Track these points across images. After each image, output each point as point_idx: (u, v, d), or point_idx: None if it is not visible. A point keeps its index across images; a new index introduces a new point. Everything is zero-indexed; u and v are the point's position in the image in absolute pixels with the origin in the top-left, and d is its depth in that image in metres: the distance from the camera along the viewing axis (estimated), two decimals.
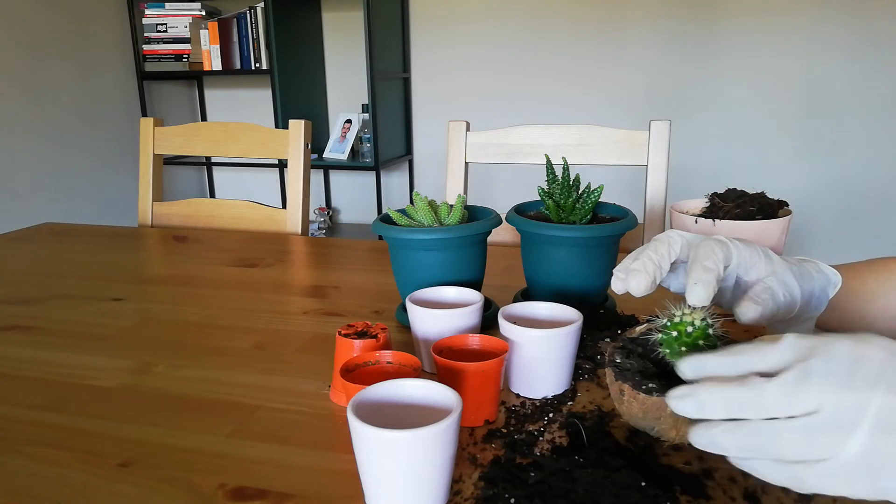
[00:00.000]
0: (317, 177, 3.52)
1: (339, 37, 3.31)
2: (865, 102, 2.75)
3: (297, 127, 1.41)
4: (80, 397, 0.65)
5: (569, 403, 0.61)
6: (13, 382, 0.69)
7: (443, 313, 0.64)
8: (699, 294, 0.52)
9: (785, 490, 0.47)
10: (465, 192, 1.35)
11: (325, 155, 3.22)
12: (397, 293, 0.87)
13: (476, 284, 0.78)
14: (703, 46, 2.86)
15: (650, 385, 0.50)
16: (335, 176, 3.55)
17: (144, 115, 3.23)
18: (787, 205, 0.86)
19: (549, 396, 0.62)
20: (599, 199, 0.79)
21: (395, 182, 3.42)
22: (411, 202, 0.78)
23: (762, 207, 0.84)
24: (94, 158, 3.02)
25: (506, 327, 0.61)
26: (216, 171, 3.69)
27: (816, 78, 2.78)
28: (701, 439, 0.42)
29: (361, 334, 0.63)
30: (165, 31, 3.17)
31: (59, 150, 2.84)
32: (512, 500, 0.46)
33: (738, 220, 0.81)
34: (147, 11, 3.16)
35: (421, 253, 0.75)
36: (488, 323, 0.73)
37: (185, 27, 3.15)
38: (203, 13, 3.14)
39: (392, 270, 0.80)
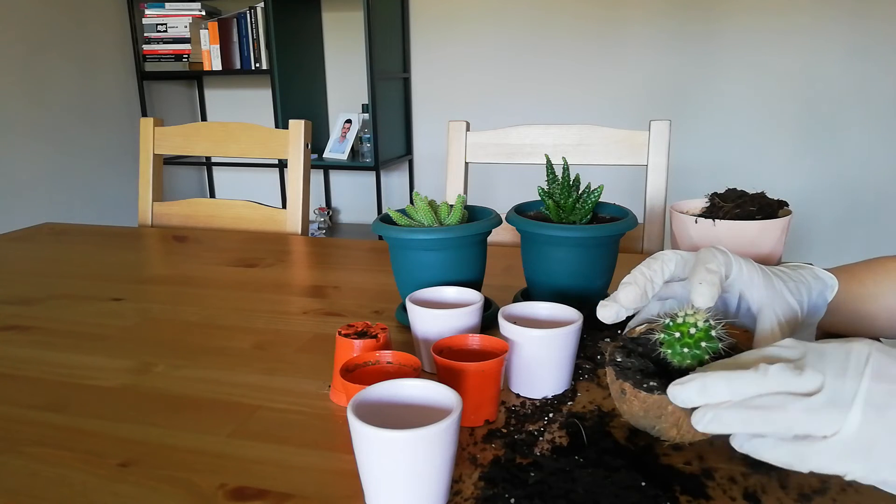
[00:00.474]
0: (317, 177, 3.52)
1: (339, 37, 3.31)
2: (865, 102, 2.75)
3: (297, 127, 1.41)
4: (80, 397, 0.65)
5: (569, 403, 0.61)
6: (13, 382, 0.69)
7: (443, 313, 0.64)
8: (704, 293, 0.52)
9: (785, 490, 0.48)
10: (465, 192, 1.35)
11: (325, 155, 3.22)
12: (397, 293, 0.87)
13: (476, 284, 0.78)
14: (703, 46, 2.86)
15: (651, 384, 0.50)
16: (335, 176, 3.55)
17: (144, 115, 3.23)
18: (787, 205, 0.86)
19: (549, 396, 0.62)
20: (599, 199, 0.79)
21: (395, 182, 3.42)
22: (411, 202, 0.78)
23: (762, 207, 0.83)
24: (94, 158, 3.02)
25: (506, 327, 0.61)
26: (216, 171, 3.69)
27: (816, 78, 2.78)
28: (704, 417, 0.43)
29: (361, 334, 0.63)
30: (165, 31, 3.17)
31: (59, 150, 2.84)
32: (512, 500, 0.46)
33: (738, 220, 0.81)
34: (147, 11, 3.16)
35: (421, 253, 0.75)
36: (488, 323, 0.73)
37: (185, 27, 3.15)
38: (203, 13, 3.14)
39: (392, 270, 0.80)
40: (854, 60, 2.72)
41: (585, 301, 0.76)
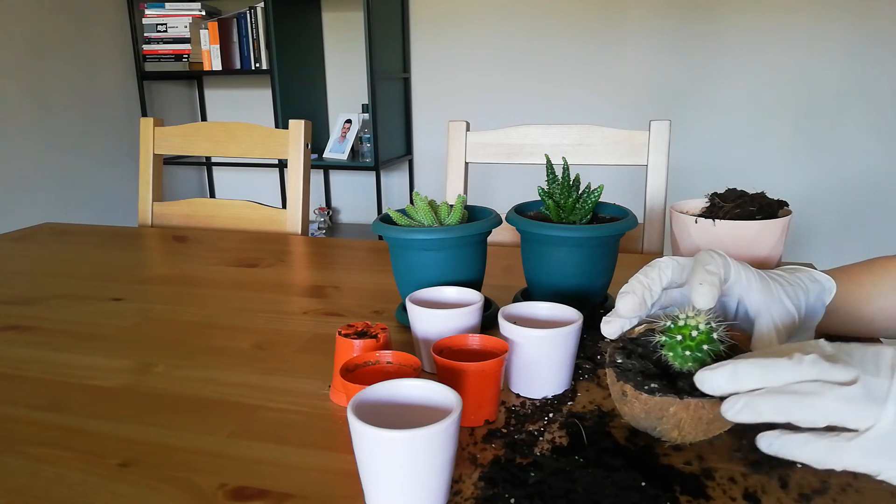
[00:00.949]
0: (317, 177, 3.52)
1: (339, 37, 3.31)
2: (865, 102, 2.76)
3: (297, 127, 1.41)
4: (80, 397, 0.65)
5: (569, 403, 0.61)
6: (13, 382, 0.69)
7: (443, 313, 0.64)
8: (705, 294, 0.52)
9: (785, 490, 0.47)
10: (465, 192, 1.35)
11: (325, 155, 3.22)
12: (397, 293, 0.87)
13: (476, 284, 0.78)
14: (703, 46, 2.86)
15: (652, 385, 0.50)
16: (335, 176, 3.55)
17: (144, 115, 3.23)
18: (787, 205, 0.86)
19: (549, 396, 0.62)
20: (599, 199, 0.79)
21: (395, 182, 3.42)
22: (411, 202, 0.78)
23: (762, 207, 0.83)
24: (94, 158, 3.02)
25: (506, 327, 0.61)
26: (216, 171, 3.69)
27: (816, 77, 2.78)
28: (735, 405, 0.43)
29: (361, 334, 0.63)
30: (165, 31, 3.17)
31: (59, 150, 2.84)
32: (512, 500, 0.46)
33: (738, 220, 0.81)
34: (147, 11, 3.16)
35: (421, 253, 0.75)
36: (488, 323, 0.73)
37: (185, 27, 3.15)
38: (203, 13, 3.14)
39: (392, 270, 0.80)
40: (854, 60, 2.72)
41: (585, 301, 0.76)
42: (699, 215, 0.85)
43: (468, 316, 0.65)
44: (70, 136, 2.89)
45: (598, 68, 3.00)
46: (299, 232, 1.39)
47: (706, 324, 0.51)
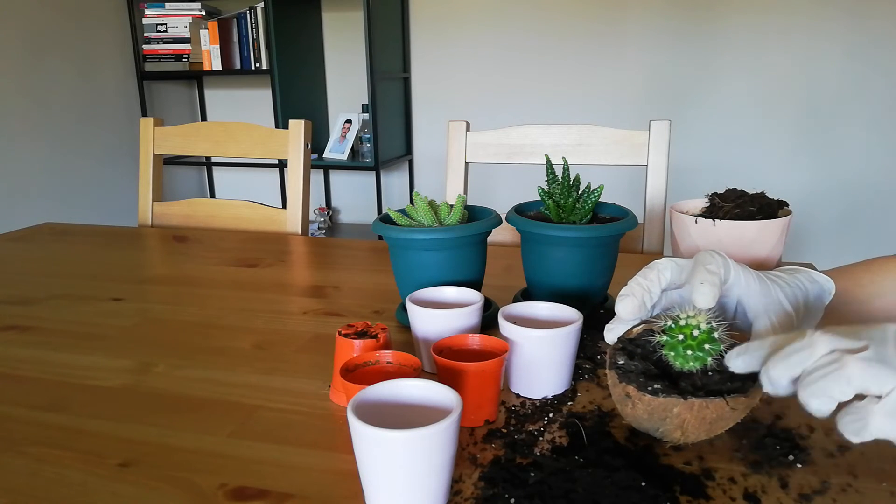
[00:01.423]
0: (317, 177, 3.52)
1: (339, 37, 3.31)
2: (865, 102, 2.76)
3: (297, 127, 1.41)
4: (80, 397, 0.65)
5: (569, 403, 0.61)
6: (13, 382, 0.69)
7: (443, 313, 0.64)
8: (706, 293, 0.52)
9: (785, 490, 0.47)
10: (465, 192, 1.35)
11: (325, 155, 3.22)
12: (397, 293, 0.87)
13: (476, 284, 0.78)
14: (703, 46, 2.86)
15: (655, 386, 0.50)
16: (335, 176, 3.55)
17: (144, 115, 3.23)
18: (787, 205, 0.86)
19: (549, 396, 0.62)
20: (599, 199, 0.79)
21: (395, 182, 3.42)
22: (411, 202, 0.78)
23: (762, 207, 0.83)
24: (94, 158, 3.02)
25: (506, 327, 0.61)
26: (216, 171, 3.69)
27: (816, 77, 2.78)
28: (775, 369, 0.44)
29: (361, 334, 0.63)
30: (165, 31, 3.17)
31: (59, 150, 2.84)
32: (512, 500, 0.46)
33: (738, 220, 0.81)
34: (147, 11, 3.16)
35: (421, 253, 0.75)
36: (488, 323, 0.73)
37: (185, 27, 3.15)
38: (203, 13, 3.14)
39: (392, 270, 0.80)
40: (853, 60, 2.73)
41: (585, 301, 0.76)
42: (699, 215, 0.85)
43: (468, 316, 0.65)
44: (70, 136, 2.89)
45: (598, 68, 3.00)
46: (299, 232, 1.39)
47: (707, 323, 0.51)
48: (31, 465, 0.53)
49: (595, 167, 1.29)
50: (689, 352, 0.50)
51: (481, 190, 3.15)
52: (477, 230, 0.74)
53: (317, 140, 3.28)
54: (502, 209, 1.02)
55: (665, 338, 0.52)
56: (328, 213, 3.46)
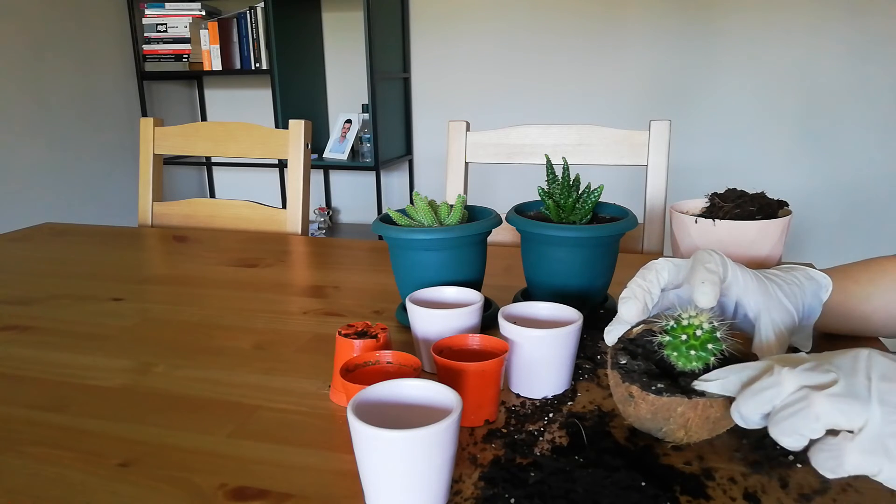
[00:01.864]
0: (317, 177, 3.52)
1: (339, 37, 3.31)
2: (866, 102, 2.75)
3: (297, 127, 1.41)
4: (80, 397, 0.65)
5: (569, 403, 0.61)
6: (13, 382, 0.69)
7: (443, 313, 0.64)
8: (708, 293, 0.52)
9: (785, 490, 0.47)
10: (465, 192, 1.35)
11: (325, 155, 3.22)
12: (397, 293, 0.87)
13: (476, 284, 0.78)
14: (703, 46, 2.86)
15: (659, 386, 0.50)
16: (335, 176, 3.55)
17: (144, 115, 3.23)
18: (787, 205, 0.86)
19: (549, 396, 0.62)
20: (599, 199, 0.79)
21: (395, 182, 3.42)
22: (411, 202, 0.78)
23: (762, 207, 0.83)
24: (94, 158, 3.02)
25: (506, 327, 0.61)
26: (216, 171, 3.69)
27: (816, 77, 2.78)
28: (746, 407, 0.44)
29: (361, 334, 0.63)
30: (165, 31, 3.17)
31: (59, 150, 2.84)
32: (512, 500, 0.46)
33: (738, 220, 0.81)
34: (147, 11, 3.16)
35: (421, 253, 0.75)
36: (488, 323, 0.73)
37: (185, 27, 3.15)
38: (203, 13, 3.14)
39: (392, 270, 0.80)
40: (854, 59, 2.72)
41: (585, 301, 0.76)
42: (699, 215, 0.85)
43: (468, 316, 0.65)
44: (70, 136, 2.89)
45: (598, 68, 3.00)
46: (299, 232, 1.39)
47: (709, 323, 0.51)
48: (31, 465, 0.53)
49: (595, 167, 1.29)
50: (693, 352, 0.50)
51: (481, 190, 3.15)
52: (477, 230, 0.74)
53: (317, 140, 3.28)
54: (502, 209, 1.02)
55: (667, 338, 0.52)
56: (328, 213, 3.46)
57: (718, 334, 0.50)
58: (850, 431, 0.40)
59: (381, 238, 0.90)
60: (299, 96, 3.16)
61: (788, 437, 0.42)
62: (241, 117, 3.45)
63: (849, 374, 0.41)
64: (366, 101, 3.25)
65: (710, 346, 0.50)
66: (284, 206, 1.48)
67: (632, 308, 0.55)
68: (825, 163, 2.86)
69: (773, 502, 0.46)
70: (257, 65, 3.08)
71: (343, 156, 3.15)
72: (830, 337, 0.70)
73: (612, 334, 0.57)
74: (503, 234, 1.26)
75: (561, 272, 0.75)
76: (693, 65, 2.89)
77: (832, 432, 0.41)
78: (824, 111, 2.80)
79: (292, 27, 3.08)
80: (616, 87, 3.00)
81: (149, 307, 0.90)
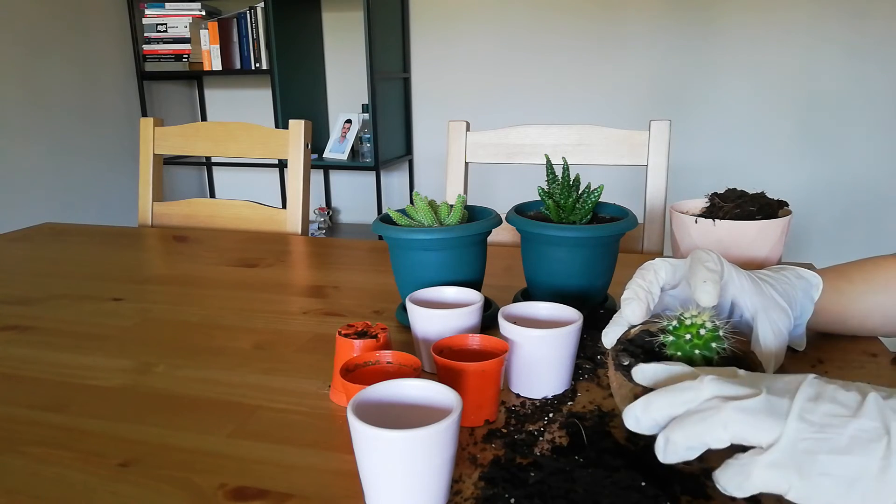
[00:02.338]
0: (317, 177, 3.52)
1: (339, 37, 3.31)
2: (865, 102, 2.75)
3: (297, 127, 1.41)
4: (80, 397, 0.65)
5: (569, 403, 0.61)
6: (13, 382, 0.69)
7: (443, 313, 0.64)
8: (710, 292, 0.52)
9: None
10: (465, 192, 1.35)
11: (325, 155, 3.22)
12: (397, 293, 0.87)
13: (476, 284, 0.78)
14: (703, 46, 2.86)
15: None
16: (335, 176, 3.55)
17: (144, 115, 3.23)
18: (787, 205, 0.86)
19: (549, 396, 0.62)
20: (599, 199, 0.79)
21: (395, 182, 3.42)
22: (411, 202, 0.78)
23: (762, 207, 0.83)
24: (94, 158, 3.02)
25: (506, 327, 0.61)
26: (216, 171, 3.69)
27: (816, 77, 2.78)
28: (660, 444, 0.43)
29: (361, 334, 0.63)
30: (165, 31, 3.17)
31: (59, 150, 2.84)
32: (512, 500, 0.46)
33: (738, 220, 0.81)
34: (147, 11, 3.16)
35: (421, 253, 0.75)
36: (488, 323, 0.73)
37: (185, 27, 3.15)
38: (203, 13, 3.14)
39: (392, 270, 0.80)
40: (853, 60, 2.72)
41: (585, 301, 0.76)
42: (699, 215, 0.85)
43: (468, 316, 0.65)
44: (70, 136, 2.89)
45: (598, 68, 3.00)
46: (299, 232, 1.39)
47: (711, 321, 0.51)
48: (31, 465, 0.53)
49: (595, 167, 1.29)
50: (697, 350, 0.50)
51: (481, 190, 3.15)
52: (477, 230, 0.74)
53: (317, 140, 3.28)
54: (502, 209, 1.02)
55: (670, 338, 0.52)
56: (328, 213, 3.46)
57: (721, 332, 0.51)
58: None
59: (381, 238, 0.90)
60: (299, 96, 3.16)
61: (686, 441, 0.40)
62: (241, 117, 3.45)
63: (774, 394, 0.40)
64: (366, 101, 3.25)
65: (713, 344, 0.50)
66: (284, 206, 1.48)
67: (636, 309, 0.55)
68: (825, 163, 2.86)
69: (774, 502, 0.46)
70: (257, 65, 3.08)
71: (343, 156, 3.15)
72: (828, 337, 0.70)
73: (610, 336, 0.57)
74: (503, 234, 1.26)
75: (561, 272, 0.75)
76: (693, 65, 2.89)
77: (742, 450, 0.39)
78: (824, 111, 2.80)
79: (292, 27, 3.08)
80: (616, 87, 3.00)
81: (149, 307, 0.90)
